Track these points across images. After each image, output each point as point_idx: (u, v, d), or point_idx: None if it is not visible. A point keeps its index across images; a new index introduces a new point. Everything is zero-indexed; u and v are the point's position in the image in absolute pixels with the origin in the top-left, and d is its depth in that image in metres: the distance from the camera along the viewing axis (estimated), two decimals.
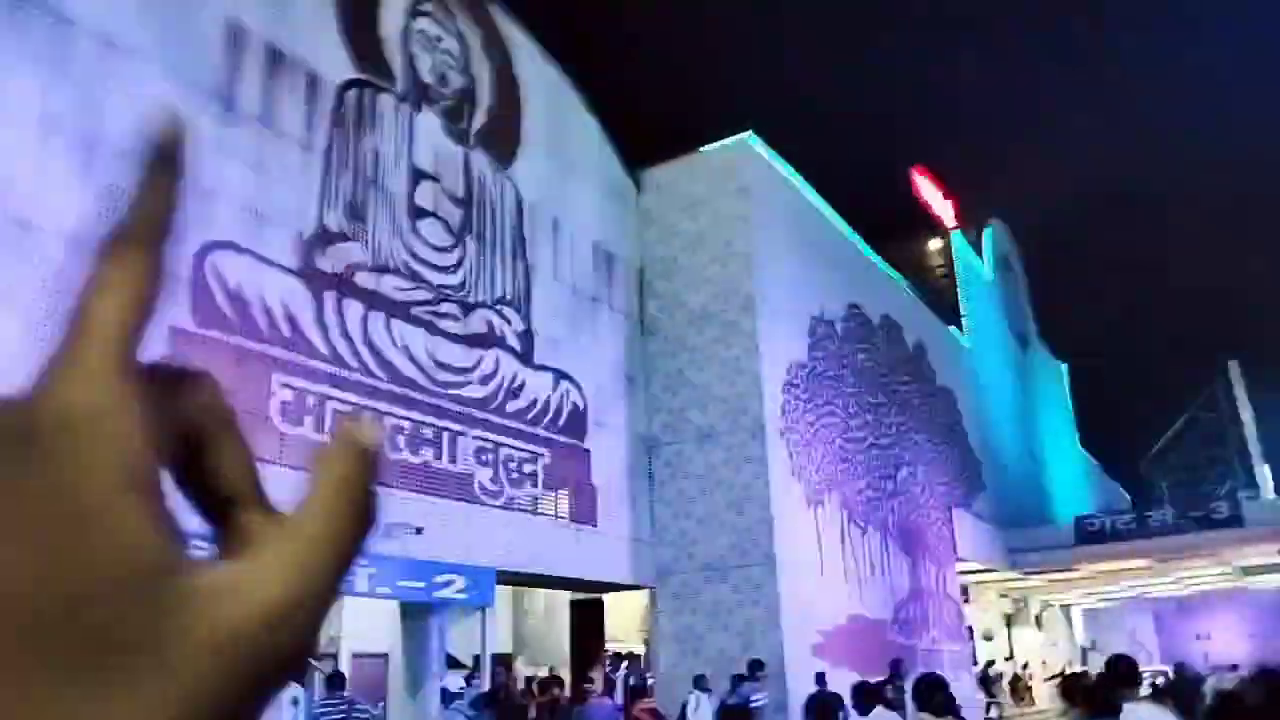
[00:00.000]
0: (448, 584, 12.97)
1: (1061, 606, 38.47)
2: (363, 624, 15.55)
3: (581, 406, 16.67)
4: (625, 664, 14.84)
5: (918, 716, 5.54)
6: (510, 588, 19.71)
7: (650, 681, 16.03)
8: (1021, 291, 43.34)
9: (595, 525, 16.39)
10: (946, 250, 34.28)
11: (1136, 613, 49.14)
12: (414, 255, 14.02)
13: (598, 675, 14.31)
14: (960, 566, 26.15)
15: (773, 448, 17.41)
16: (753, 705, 12.34)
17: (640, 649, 18.22)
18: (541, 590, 19.38)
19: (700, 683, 13.03)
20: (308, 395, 11.82)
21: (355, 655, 15.73)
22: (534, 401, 15.57)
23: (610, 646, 18.62)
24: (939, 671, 21.45)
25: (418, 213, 14.29)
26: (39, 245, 9.35)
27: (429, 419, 13.44)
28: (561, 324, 16.79)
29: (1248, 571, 33.12)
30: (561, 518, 15.69)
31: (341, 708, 9.21)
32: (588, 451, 16.61)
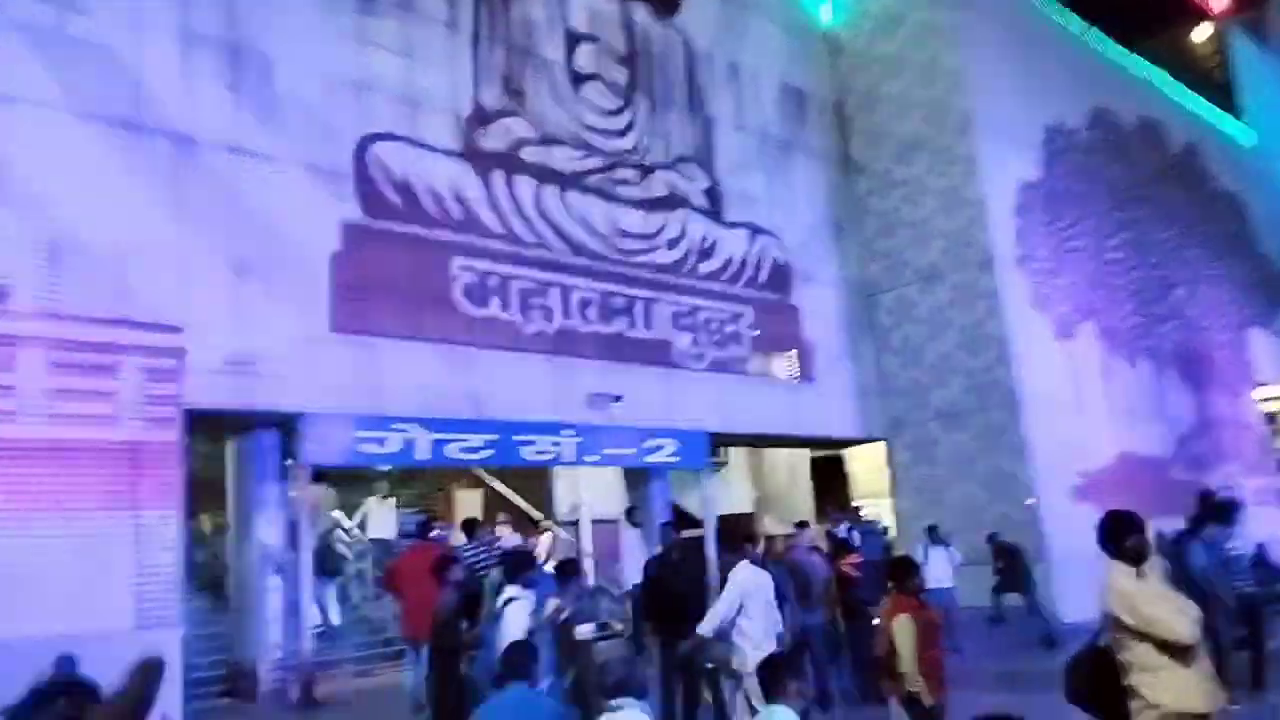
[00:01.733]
0: (657, 449, 12.73)
1: None
2: (599, 492, 15.91)
3: (783, 260, 15.67)
4: (845, 521, 14.04)
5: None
6: (747, 449, 19.49)
7: (889, 536, 15.18)
8: None
9: (812, 380, 15.53)
10: (1218, 38, 29.05)
11: None
12: (581, 123, 13.50)
13: (814, 531, 13.63)
14: (1264, 392, 22.71)
15: (1006, 280, 15.57)
16: None
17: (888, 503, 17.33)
18: (784, 450, 18.94)
19: (933, 534, 12.02)
20: (490, 276, 11.77)
21: (594, 521, 16.15)
22: (729, 261, 14.79)
23: (858, 502, 17.92)
24: (1246, 507, 18.84)
25: (579, 78, 13.70)
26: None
27: (617, 288, 13.07)
28: (752, 176, 15.75)
29: None
30: (774, 376, 14.96)
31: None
32: (795, 307, 15.65)
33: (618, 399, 12.13)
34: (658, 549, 8.32)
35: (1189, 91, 24.24)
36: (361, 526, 13.50)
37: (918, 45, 16.81)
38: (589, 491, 16.44)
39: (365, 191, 10.89)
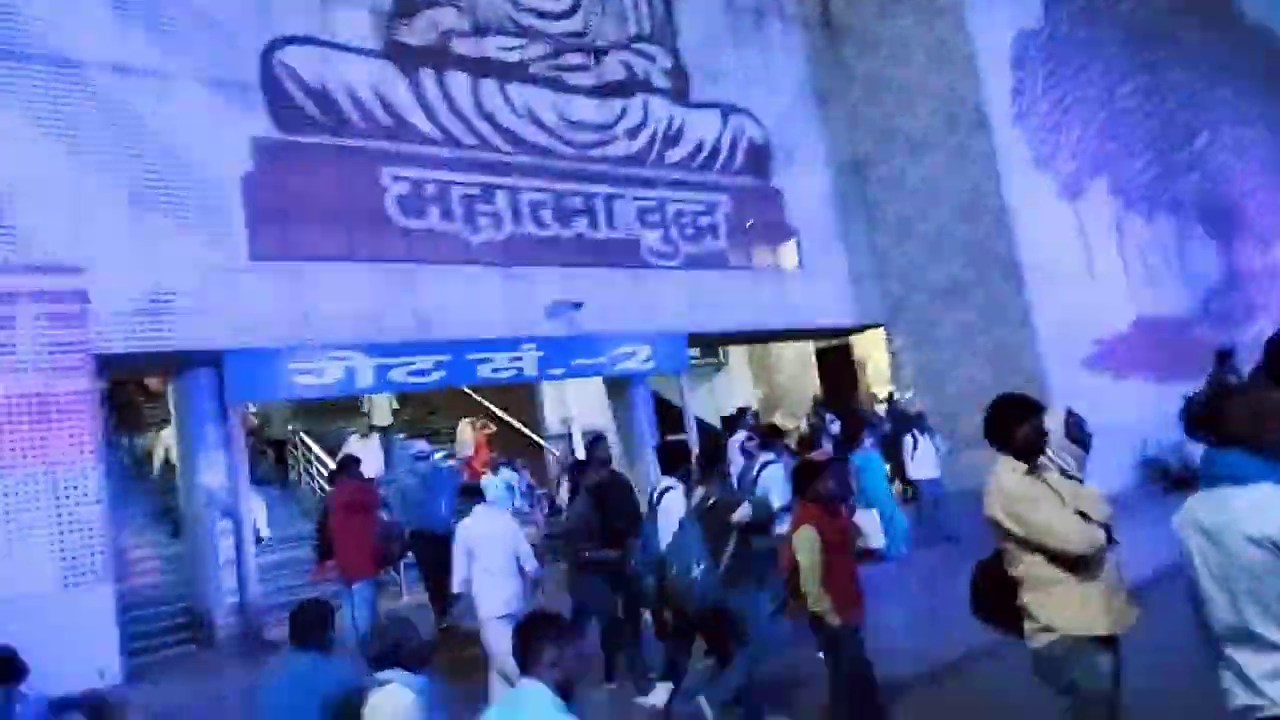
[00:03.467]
0: (629, 355, 12.02)
1: None
2: (590, 404, 15.37)
3: (762, 140, 14.55)
4: (829, 414, 13.36)
5: None
6: (748, 346, 18.75)
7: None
8: None
9: (801, 268, 14.60)
10: None
11: None
12: (518, 6, 12.35)
13: (790, 425, 12.96)
14: None
15: (1003, 139, 14.33)
16: None
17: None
18: (790, 343, 18.19)
19: (919, 422, 11.24)
20: (426, 184, 10.93)
21: (584, 432, 15.70)
22: (699, 146, 13.73)
23: (875, 392, 17.19)
24: None
25: None
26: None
27: (573, 186, 12.15)
28: (721, 50, 14.50)
29: None
30: (757, 267, 14.04)
31: None
32: (777, 190, 14.60)
33: (578, 306, 11.37)
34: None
35: None
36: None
37: None
38: (578, 404, 15.92)
39: (276, 103, 10.02)
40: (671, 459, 6.52)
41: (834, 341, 17.63)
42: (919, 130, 15.04)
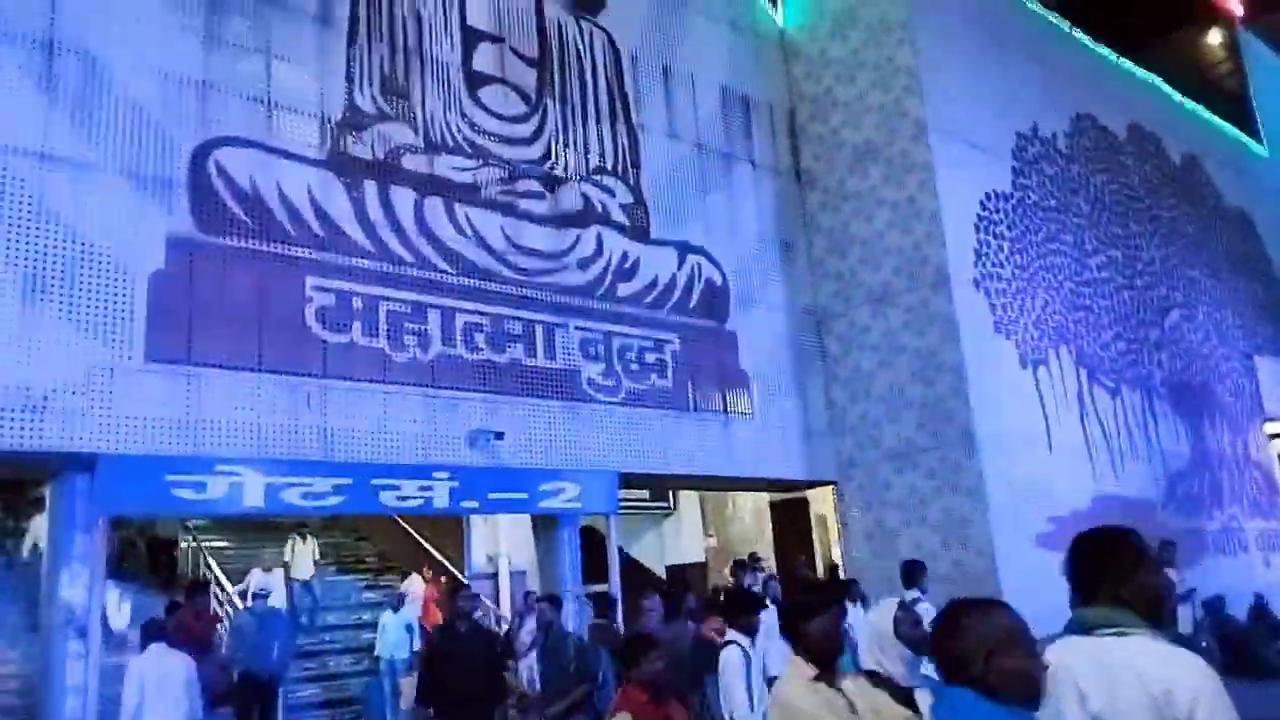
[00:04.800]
0: (555, 492, 11.36)
1: None
2: (520, 541, 14.63)
3: (720, 282, 14.29)
4: (759, 571, 12.60)
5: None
6: (700, 492, 18.09)
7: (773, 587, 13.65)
8: None
9: (751, 415, 14.09)
10: (1231, 42, 27.33)
11: None
12: (477, 129, 12.25)
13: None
14: (1274, 427, 20.90)
15: (965, 301, 14.08)
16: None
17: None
18: (749, 493, 17.56)
19: (852, 591, 10.50)
20: (353, 297, 10.53)
21: (513, 572, 14.88)
22: (654, 282, 13.43)
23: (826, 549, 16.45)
24: (1249, 553, 17.08)
25: (477, 80, 12.48)
26: None
27: (514, 311, 11.76)
28: (686, 190, 14.41)
29: None
30: (705, 410, 13.54)
31: None
32: (732, 334, 14.25)
33: (499, 435, 10.80)
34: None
35: (1191, 99, 22.60)
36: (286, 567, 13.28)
37: (873, 45, 15.42)
38: (509, 542, 15.17)
39: (201, 202, 9.70)
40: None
41: (790, 494, 17.00)
42: (880, 285, 14.82)
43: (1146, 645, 2.60)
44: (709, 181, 14.78)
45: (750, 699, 5.38)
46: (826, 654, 3.05)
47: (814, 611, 3.07)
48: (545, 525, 12.33)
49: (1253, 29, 28.10)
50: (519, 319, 11.79)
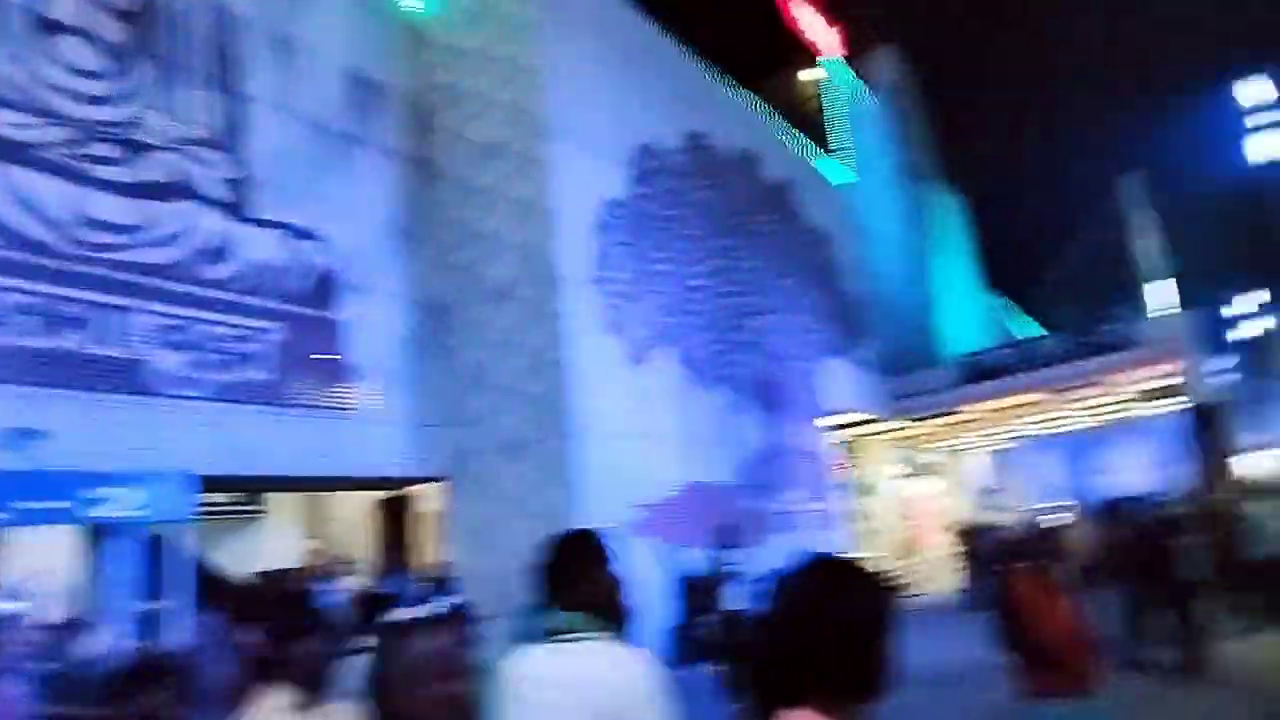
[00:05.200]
0: (107, 500, 10.13)
1: (959, 452, 37.39)
2: (59, 558, 12.88)
3: (332, 270, 13.63)
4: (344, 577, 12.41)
5: None
6: (301, 492, 17.15)
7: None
8: (915, 124, 40.53)
9: (358, 411, 13.63)
10: (826, 82, 31.13)
11: (1042, 451, 48.84)
12: (46, 83, 10.57)
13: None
14: (840, 419, 24.23)
15: (577, 300, 14.71)
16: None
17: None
18: (353, 492, 16.85)
19: (441, 586, 10.50)
20: None
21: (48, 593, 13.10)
22: (254, 265, 12.48)
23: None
24: (805, 531, 19.40)
25: (52, 27, 10.76)
26: None
27: (71, 292, 10.32)
28: (297, 170, 13.52)
29: (1148, 396, 32.02)
30: (307, 406, 12.85)
31: None
32: (341, 324, 13.66)
33: (38, 434, 9.43)
34: None
35: (791, 130, 25.43)
36: None
37: (503, 40, 15.50)
38: (47, 557, 13.35)
39: None
40: None
41: (395, 491, 16.70)
42: (501, 280, 14.98)
43: (597, 649, 2.69)
44: (326, 163, 14.00)
45: None
46: (315, 680, 2.87)
47: (300, 632, 2.89)
48: (99, 536, 10.98)
49: (837, 63, 32.15)
50: (79, 300, 10.36)
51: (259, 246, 12.58)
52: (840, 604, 2.19)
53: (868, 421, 25.85)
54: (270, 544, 16.51)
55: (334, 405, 13.24)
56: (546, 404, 14.39)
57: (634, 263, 16.35)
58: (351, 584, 12.64)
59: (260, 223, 12.71)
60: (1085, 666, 4.73)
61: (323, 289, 13.41)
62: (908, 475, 33.29)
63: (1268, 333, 42.46)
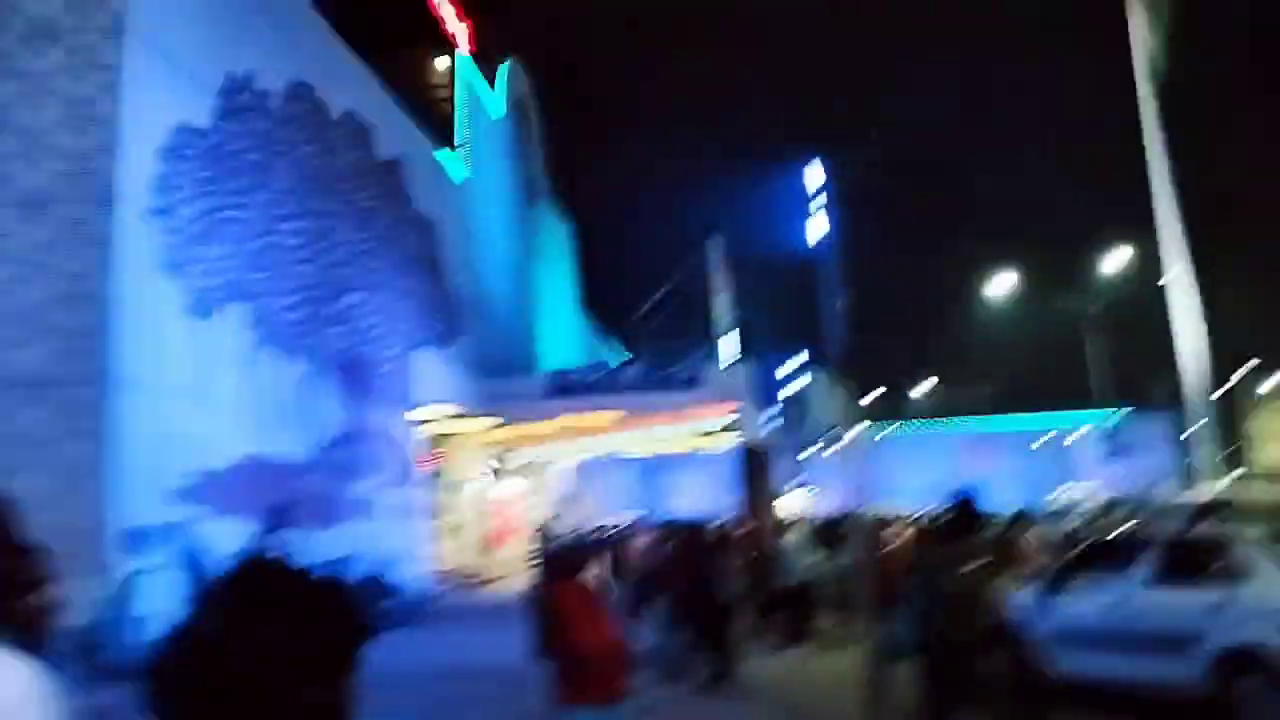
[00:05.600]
0: None
1: (544, 461, 38.66)
2: None
3: None
4: None
5: None
6: None
7: None
8: (534, 140, 41.77)
9: None
10: (453, 74, 30.88)
11: (619, 469, 52.31)
12: None
13: None
14: (429, 413, 23.67)
15: (131, 229, 12.71)
16: None
17: None
18: None
19: None
20: None
21: None
22: None
23: None
24: (381, 519, 18.41)
25: None
26: None
27: None
28: None
29: (707, 434, 35.49)
30: None
31: None
32: None
33: None
34: None
35: (410, 110, 24.69)
36: None
37: None
38: None
39: None
40: None
41: None
42: (36, 187, 12.54)
43: None
44: None
45: None
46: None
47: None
48: None
49: (469, 60, 32.12)
50: None
51: None
52: (261, 634, 1.69)
53: (457, 417, 25.60)
54: None
55: None
56: (78, 341, 12.20)
57: (209, 202, 14.49)
58: None
59: None
60: (618, 675, 4.72)
61: None
62: (494, 476, 33.61)
63: (803, 389, 49.39)
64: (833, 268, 8.40)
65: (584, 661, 4.52)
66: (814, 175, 9.75)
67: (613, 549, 15.88)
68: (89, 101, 12.70)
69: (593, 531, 17.71)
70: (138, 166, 12.91)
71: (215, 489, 13.74)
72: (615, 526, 23.36)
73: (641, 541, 15.36)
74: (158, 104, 13.46)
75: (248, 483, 14.49)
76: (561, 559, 5.12)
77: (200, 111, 14.60)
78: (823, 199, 9.41)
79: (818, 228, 9.18)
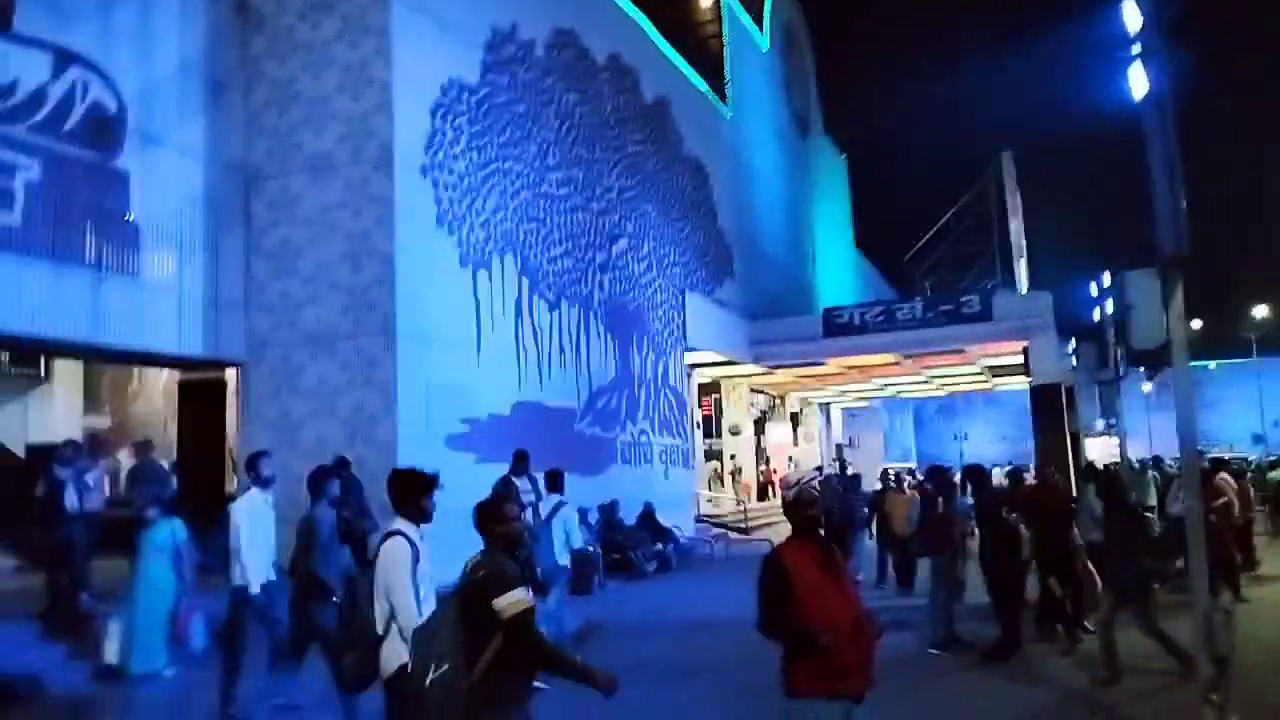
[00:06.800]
0: None
1: (820, 405, 37.56)
2: None
3: (114, 109, 11.68)
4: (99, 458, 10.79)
5: None
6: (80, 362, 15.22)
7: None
8: (806, 71, 39.90)
9: (135, 275, 11.84)
10: (718, 8, 29.92)
11: (896, 413, 49.94)
12: None
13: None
14: (700, 358, 23.46)
15: (408, 187, 13.17)
16: None
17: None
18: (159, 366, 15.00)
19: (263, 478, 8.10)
20: None
21: None
22: (9, 87, 10.48)
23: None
24: (652, 465, 18.48)
25: None
26: None
27: None
28: None
29: (995, 372, 32.61)
30: (68, 260, 10.99)
31: None
32: (125, 173, 11.78)
33: None
34: None
35: (674, 49, 24.14)
36: None
37: None
38: None
39: None
40: None
41: (205, 374, 14.94)
42: (321, 152, 13.32)
43: None
44: None
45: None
46: None
47: None
48: None
49: (739, 4, 31.09)
50: None
51: (19, 66, 10.54)
52: None
53: (730, 362, 25.22)
54: (46, 414, 14.56)
55: (102, 265, 11.40)
56: (362, 297, 12.90)
57: (478, 156, 14.83)
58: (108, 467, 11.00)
59: (24, 40, 10.66)
60: (856, 663, 3.60)
61: (100, 129, 11.46)
62: (766, 421, 33.12)
63: (1116, 313, 44.35)
64: (1162, 132, 6.33)
65: (813, 641, 3.50)
66: (1131, 14, 6.85)
67: (879, 497, 14.68)
68: (363, 65, 13.23)
69: (839, 478, 16.25)
70: (412, 125, 13.32)
71: (482, 437, 14.18)
72: (886, 473, 21.90)
73: (909, 494, 14.01)
74: (427, 63, 13.80)
75: (517, 429, 14.86)
76: (795, 511, 3.90)
77: (468, 67, 14.86)
78: (1138, 47, 6.64)
79: (1138, 85, 6.61)
